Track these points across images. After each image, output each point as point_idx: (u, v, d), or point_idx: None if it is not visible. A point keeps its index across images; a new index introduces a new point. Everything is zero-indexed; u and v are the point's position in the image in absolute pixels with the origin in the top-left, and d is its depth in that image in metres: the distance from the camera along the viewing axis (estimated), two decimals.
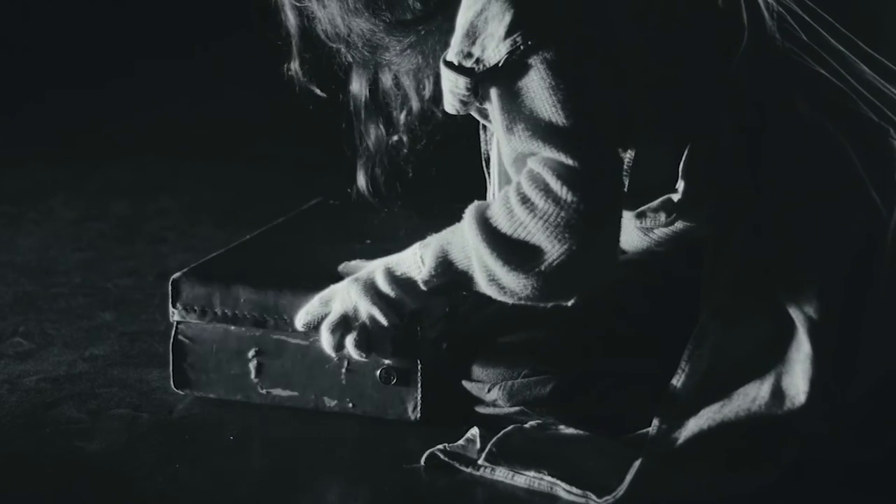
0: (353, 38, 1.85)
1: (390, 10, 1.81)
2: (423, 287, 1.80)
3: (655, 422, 1.72)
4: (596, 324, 1.85)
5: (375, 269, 1.84)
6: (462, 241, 1.75)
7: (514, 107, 1.70)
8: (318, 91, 1.98)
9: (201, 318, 1.98)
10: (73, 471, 1.82)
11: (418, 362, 1.90)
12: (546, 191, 1.66)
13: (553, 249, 1.66)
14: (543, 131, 1.67)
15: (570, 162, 1.66)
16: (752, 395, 1.71)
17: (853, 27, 1.92)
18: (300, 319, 1.89)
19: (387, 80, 1.92)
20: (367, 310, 1.83)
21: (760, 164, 1.75)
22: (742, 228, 1.74)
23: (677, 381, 1.73)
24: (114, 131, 3.79)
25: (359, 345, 1.84)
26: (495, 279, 1.70)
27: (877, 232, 1.73)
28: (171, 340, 2.01)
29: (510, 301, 1.73)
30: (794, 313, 1.70)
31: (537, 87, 1.68)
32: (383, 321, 1.82)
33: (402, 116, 1.95)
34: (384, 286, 1.82)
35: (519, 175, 1.72)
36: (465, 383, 1.89)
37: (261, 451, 1.89)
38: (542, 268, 1.67)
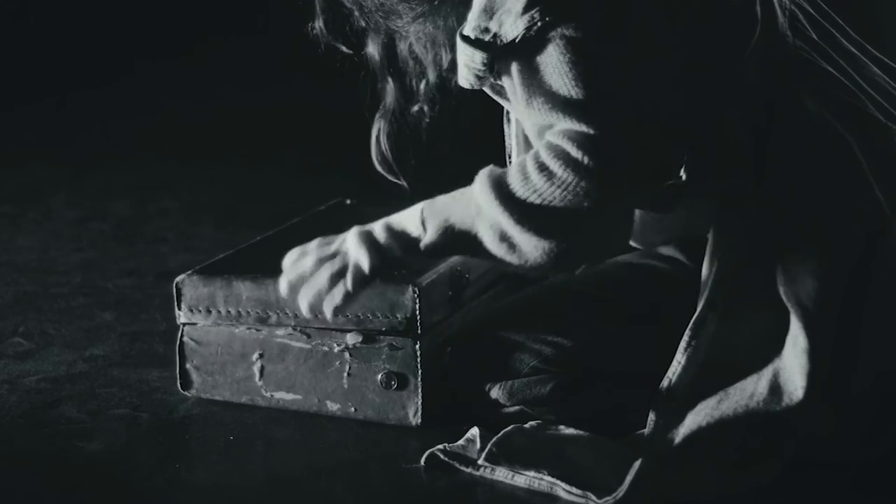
0: (367, 1, 1.85)
1: None
2: (420, 246, 1.77)
3: (652, 416, 1.72)
4: (596, 324, 1.85)
5: (376, 223, 1.82)
6: (468, 202, 1.72)
7: (533, 81, 1.70)
8: (343, 48, 1.95)
9: (206, 318, 1.98)
10: (73, 471, 1.82)
11: (419, 368, 1.90)
12: (566, 159, 1.66)
13: (571, 215, 1.66)
14: (562, 104, 1.67)
15: (588, 130, 1.66)
16: (750, 391, 1.71)
17: (854, 27, 1.92)
18: (287, 274, 1.81)
19: (403, 48, 1.92)
20: (355, 252, 1.79)
21: (765, 157, 1.76)
22: (743, 221, 1.74)
23: (673, 373, 1.73)
24: (114, 131, 3.80)
25: (333, 277, 1.77)
26: (508, 238, 1.69)
27: (880, 229, 1.73)
28: (178, 342, 2.01)
29: (516, 263, 1.71)
30: (792, 307, 1.71)
31: (556, 62, 1.68)
32: (365, 263, 1.77)
33: (422, 86, 1.95)
34: (379, 234, 1.78)
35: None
36: (466, 384, 1.89)
37: (261, 452, 1.89)
38: (559, 232, 1.66)
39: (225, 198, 3.22)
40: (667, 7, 1.73)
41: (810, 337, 1.69)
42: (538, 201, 1.66)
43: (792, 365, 1.70)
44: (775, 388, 1.70)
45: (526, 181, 1.68)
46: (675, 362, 1.73)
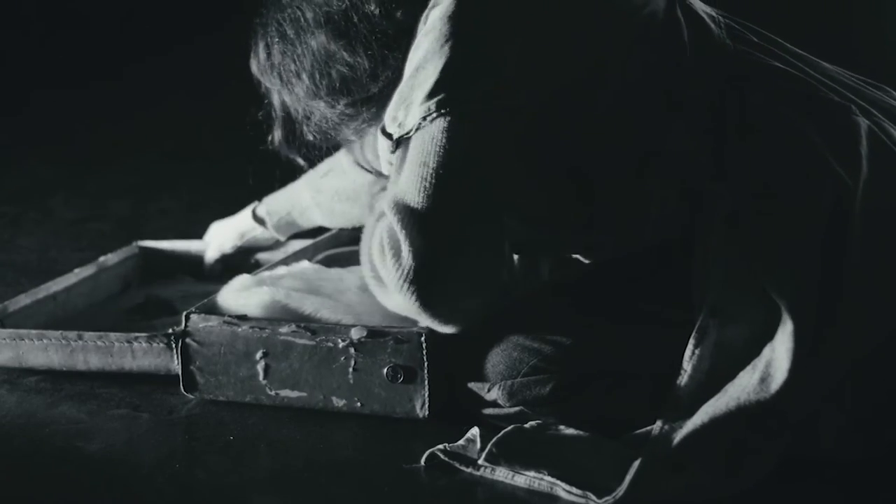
0: (312, 121, 2.00)
1: (349, 93, 1.94)
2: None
3: (659, 423, 1.72)
4: (597, 322, 1.85)
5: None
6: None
7: (405, 157, 1.79)
8: (300, 161, 2.15)
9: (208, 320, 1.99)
10: (73, 471, 1.83)
11: (425, 360, 1.90)
12: (395, 251, 1.76)
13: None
14: (401, 198, 1.77)
15: (403, 238, 1.75)
16: (745, 385, 1.72)
17: (855, 27, 1.94)
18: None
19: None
20: None
21: (724, 160, 1.79)
22: (721, 223, 1.76)
23: (680, 381, 1.74)
24: (114, 131, 3.80)
25: None
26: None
27: (845, 202, 1.75)
28: (180, 344, 2.01)
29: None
30: (776, 295, 1.72)
31: (424, 145, 1.76)
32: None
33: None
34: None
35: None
36: (466, 383, 1.89)
37: (261, 451, 1.89)
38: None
39: (225, 198, 3.22)
40: (583, 66, 1.80)
41: (795, 318, 1.70)
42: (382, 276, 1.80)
43: (780, 350, 1.70)
44: (765, 378, 1.71)
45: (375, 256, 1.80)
46: (682, 370, 1.74)
